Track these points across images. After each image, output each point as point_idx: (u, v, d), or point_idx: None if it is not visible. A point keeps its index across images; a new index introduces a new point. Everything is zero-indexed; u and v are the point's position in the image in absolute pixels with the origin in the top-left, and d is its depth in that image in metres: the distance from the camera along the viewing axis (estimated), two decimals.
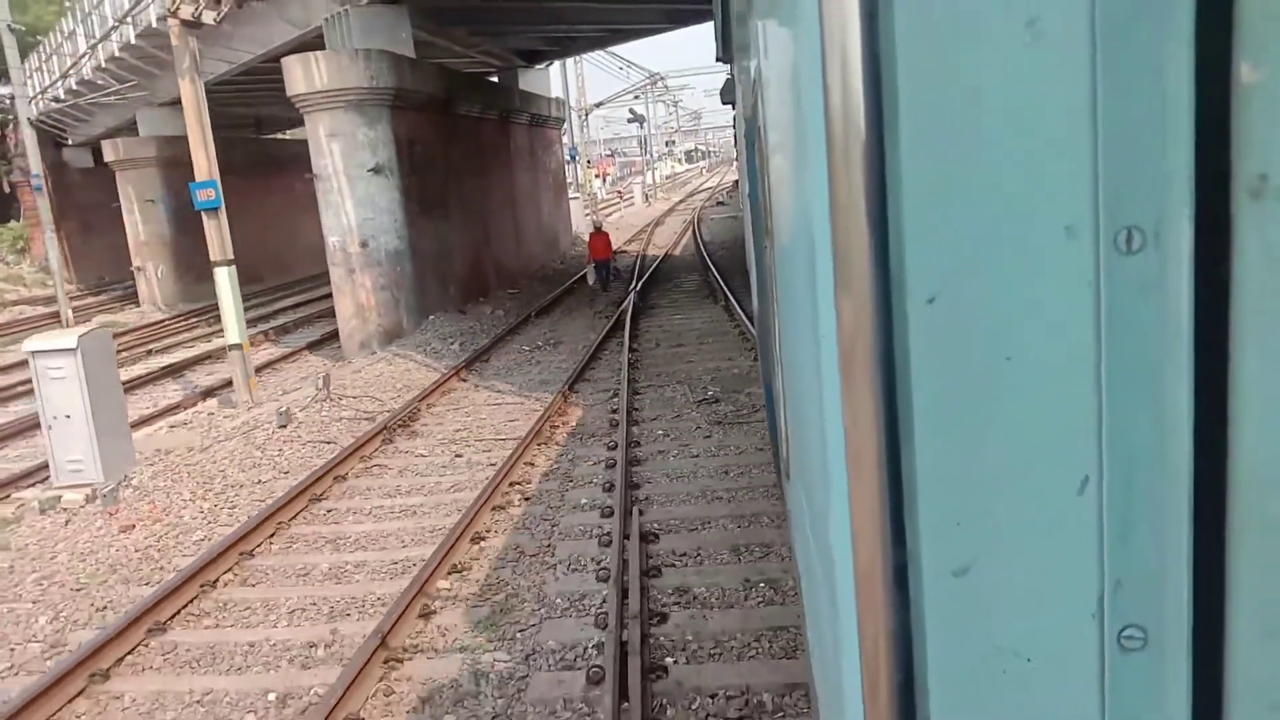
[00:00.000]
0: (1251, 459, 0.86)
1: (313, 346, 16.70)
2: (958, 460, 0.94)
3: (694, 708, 4.50)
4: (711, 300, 16.92)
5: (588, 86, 43.68)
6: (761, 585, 5.65)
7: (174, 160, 26.85)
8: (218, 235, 11.08)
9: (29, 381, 9.51)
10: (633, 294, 17.62)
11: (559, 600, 5.77)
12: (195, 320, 23.11)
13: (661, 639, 5.14)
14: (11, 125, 41.07)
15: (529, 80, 25.99)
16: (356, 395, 11.55)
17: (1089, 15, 0.86)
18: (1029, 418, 0.93)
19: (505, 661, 5.11)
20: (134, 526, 7.66)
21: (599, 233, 20.63)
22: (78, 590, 6.62)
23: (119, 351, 17.51)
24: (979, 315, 0.92)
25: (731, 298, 15.52)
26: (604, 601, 5.62)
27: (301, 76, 13.95)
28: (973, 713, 0.99)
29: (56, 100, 26.94)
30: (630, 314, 15.39)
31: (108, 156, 26.54)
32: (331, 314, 20.15)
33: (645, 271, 21.34)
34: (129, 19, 21.37)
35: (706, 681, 4.70)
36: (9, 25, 21.84)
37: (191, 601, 6.20)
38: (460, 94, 18.11)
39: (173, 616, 5.99)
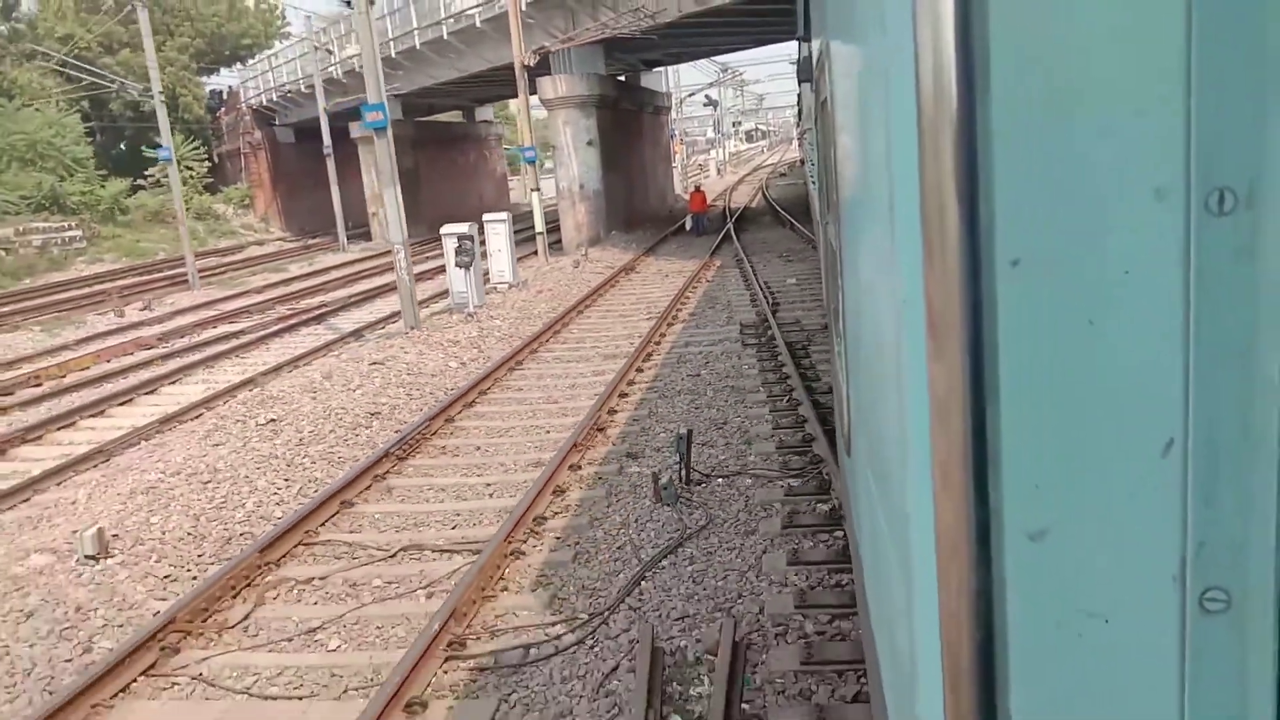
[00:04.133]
0: None
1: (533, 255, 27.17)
2: (1040, 422, 0.94)
3: (784, 314, 14.65)
4: (781, 226, 27.11)
5: (669, 75, 53.85)
6: (806, 291, 15.76)
7: (398, 138, 37.55)
8: (533, 175, 21.54)
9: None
10: (730, 224, 27.74)
11: (735, 298, 16.03)
12: (422, 247, 33.75)
13: (774, 304, 15.30)
14: (223, 109, 52.54)
15: (647, 79, 36.15)
16: (596, 261, 21.97)
17: None
18: (1112, 381, 0.93)
19: (715, 309, 15.35)
20: (542, 291, 18.13)
21: (698, 191, 30.53)
22: (545, 304, 17.06)
23: (412, 259, 28.09)
24: (1063, 278, 0.92)
25: (795, 223, 25.55)
26: (752, 295, 15.84)
27: (550, 88, 24.33)
28: (1052, 673, 0.99)
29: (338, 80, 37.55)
30: (732, 233, 25.55)
31: (354, 134, 37.19)
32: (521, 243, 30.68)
33: (734, 214, 31.48)
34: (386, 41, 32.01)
35: (787, 312, 14.90)
36: (315, 47, 32.60)
37: (573, 322, 16.54)
38: (622, 95, 28.43)
39: (555, 332, 16.39)
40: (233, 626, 5.66)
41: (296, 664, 5.20)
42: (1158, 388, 0.92)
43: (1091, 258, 0.91)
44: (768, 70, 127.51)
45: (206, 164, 47.81)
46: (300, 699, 4.88)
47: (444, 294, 19.52)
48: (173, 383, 13.28)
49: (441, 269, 19.74)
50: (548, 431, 9.16)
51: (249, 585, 6.14)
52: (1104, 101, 0.89)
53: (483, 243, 19.23)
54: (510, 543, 6.36)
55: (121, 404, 12.19)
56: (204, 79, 55.25)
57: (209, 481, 7.96)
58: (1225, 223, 0.87)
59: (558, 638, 5.22)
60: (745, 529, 6.40)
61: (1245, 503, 0.91)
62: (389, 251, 33.43)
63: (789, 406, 9.08)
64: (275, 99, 45.35)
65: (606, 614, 5.43)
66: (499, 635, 5.30)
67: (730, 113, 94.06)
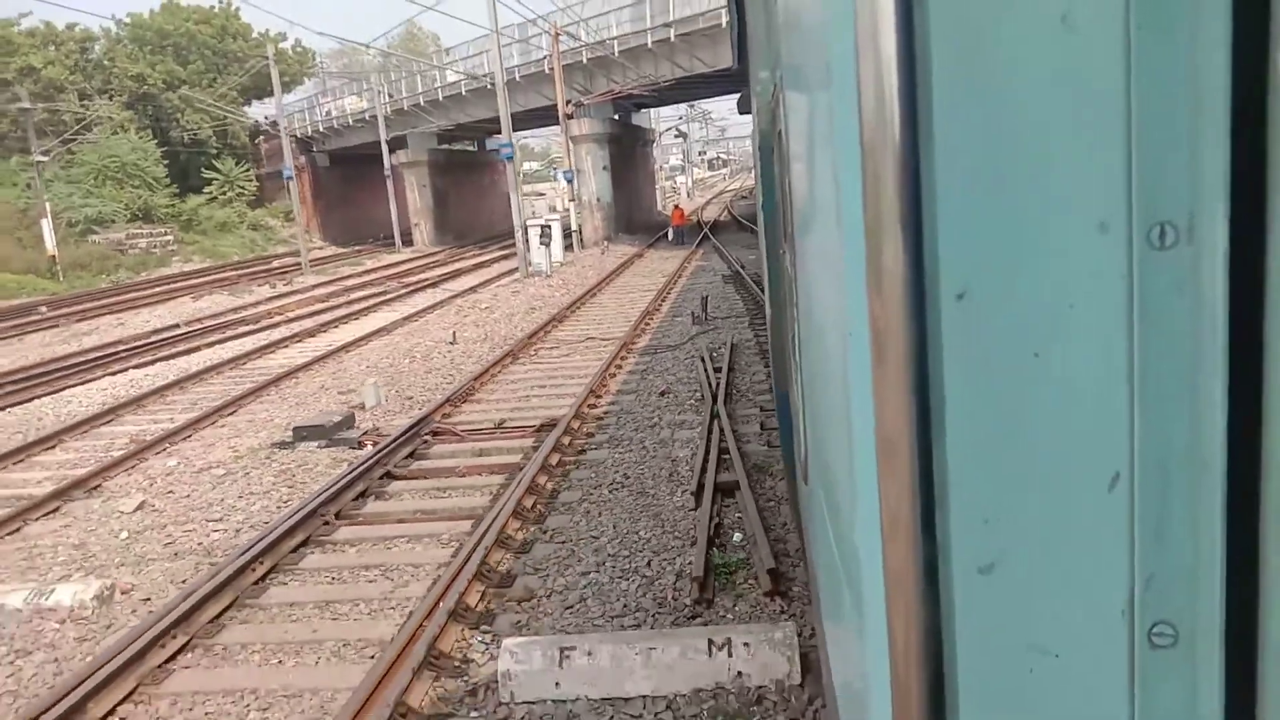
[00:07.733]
0: None
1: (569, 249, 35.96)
2: (987, 457, 0.95)
3: (750, 270, 23.57)
4: (744, 231, 36.28)
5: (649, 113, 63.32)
6: (750, 251, 24.66)
7: (434, 163, 46.33)
8: (569, 189, 30.36)
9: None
10: (706, 230, 36.81)
11: (717, 265, 24.95)
12: (456, 250, 42.32)
13: (741, 266, 24.22)
14: (263, 137, 60.61)
15: (636, 118, 45.35)
16: (614, 251, 30.83)
17: (1124, 8, 0.87)
18: (1059, 414, 0.94)
19: (705, 272, 24.24)
20: (586, 267, 26.88)
21: (677, 209, 39.59)
22: (592, 271, 25.81)
23: (458, 258, 36.75)
24: (1008, 311, 0.93)
25: (754, 229, 34.58)
26: (728, 263, 24.77)
27: (577, 128, 33.26)
28: (1002, 709, 0.99)
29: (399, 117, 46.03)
30: (709, 235, 34.57)
31: (398, 161, 45.70)
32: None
33: (708, 224, 40.64)
34: (434, 88, 40.79)
35: (752, 269, 23.86)
36: (379, 91, 41.23)
37: (617, 278, 25.33)
38: (624, 132, 37.59)
39: (608, 282, 25.20)
40: (534, 353, 14.33)
41: (571, 358, 13.87)
42: (1103, 420, 0.93)
43: (1036, 291, 0.92)
44: (730, 104, 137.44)
45: (254, 184, 56.12)
46: (572, 368, 13.56)
47: (509, 272, 28.27)
48: (375, 311, 21.77)
49: (488, 263, 28.41)
50: (627, 315, 17.89)
51: (526, 349, 14.79)
52: (1046, 138, 0.90)
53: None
54: (634, 332, 15.16)
55: (354, 320, 20.61)
56: (246, 108, 63.59)
57: (478, 325, 16.66)
58: (1166, 256, 0.88)
59: (665, 349, 14.00)
60: (732, 329, 15.19)
61: (1193, 536, 0.92)
62: (434, 253, 42.01)
63: (751, 298, 17.95)
64: (320, 129, 53.76)
65: (684, 344, 14.24)
66: (642, 349, 14.07)
67: (696, 143, 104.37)
